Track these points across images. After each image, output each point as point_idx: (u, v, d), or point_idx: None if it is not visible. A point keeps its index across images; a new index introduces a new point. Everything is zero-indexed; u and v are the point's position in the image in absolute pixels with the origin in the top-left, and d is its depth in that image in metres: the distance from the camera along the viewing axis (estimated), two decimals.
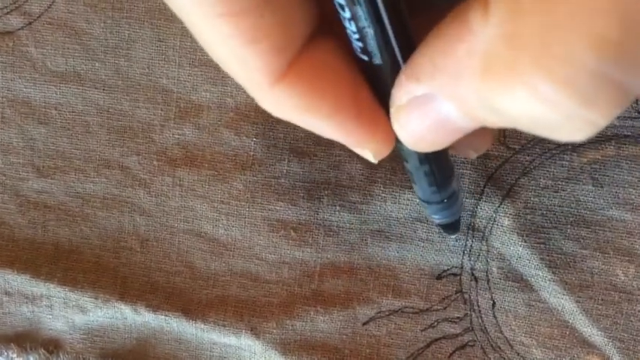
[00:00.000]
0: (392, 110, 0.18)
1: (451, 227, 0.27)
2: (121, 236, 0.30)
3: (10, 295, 0.31)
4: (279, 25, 0.17)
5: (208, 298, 0.30)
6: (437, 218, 0.26)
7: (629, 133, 0.27)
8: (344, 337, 0.29)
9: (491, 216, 0.28)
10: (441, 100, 0.16)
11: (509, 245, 0.28)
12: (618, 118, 0.27)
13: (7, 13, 0.29)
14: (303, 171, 0.29)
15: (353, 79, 0.19)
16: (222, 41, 0.17)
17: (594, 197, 0.28)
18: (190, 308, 0.30)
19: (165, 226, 0.30)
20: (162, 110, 0.29)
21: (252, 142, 0.29)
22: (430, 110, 0.17)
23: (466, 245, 0.29)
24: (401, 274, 0.29)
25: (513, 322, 0.29)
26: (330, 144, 0.28)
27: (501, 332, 0.29)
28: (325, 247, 0.29)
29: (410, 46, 0.17)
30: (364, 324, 0.29)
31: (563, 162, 0.28)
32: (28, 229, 0.30)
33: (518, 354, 0.29)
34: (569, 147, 0.27)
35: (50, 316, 0.30)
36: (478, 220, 0.28)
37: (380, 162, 0.21)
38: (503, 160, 0.28)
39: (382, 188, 0.29)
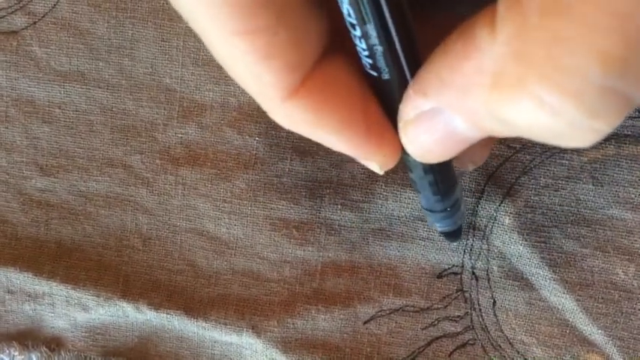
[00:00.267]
0: (400, 124, 0.19)
1: (453, 235, 0.27)
2: (124, 234, 0.30)
3: (13, 293, 0.31)
4: (293, 43, 0.17)
5: (210, 296, 0.30)
6: (439, 226, 0.26)
7: (630, 133, 0.27)
8: (345, 335, 0.30)
9: (492, 215, 0.28)
10: (449, 114, 0.17)
11: (510, 244, 0.28)
12: None
13: (12, 12, 0.29)
14: (305, 170, 0.29)
15: (362, 93, 0.19)
16: (236, 57, 0.17)
17: (594, 196, 0.28)
18: (192, 306, 0.30)
19: (168, 224, 0.30)
20: (165, 109, 0.29)
21: (255, 141, 0.29)
22: (438, 123, 0.17)
23: (467, 244, 0.29)
24: (402, 273, 0.29)
25: (514, 321, 0.29)
26: None
27: (502, 331, 0.29)
28: (327, 246, 0.29)
29: (417, 62, 0.18)
30: (365, 322, 0.29)
31: (564, 161, 0.28)
32: (31, 228, 0.31)
33: (518, 352, 0.29)
34: None
35: (52, 314, 0.31)
36: (479, 218, 0.28)
37: None
38: (504, 159, 0.28)
39: (384, 187, 0.29)
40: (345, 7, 0.17)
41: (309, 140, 0.29)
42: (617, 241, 0.28)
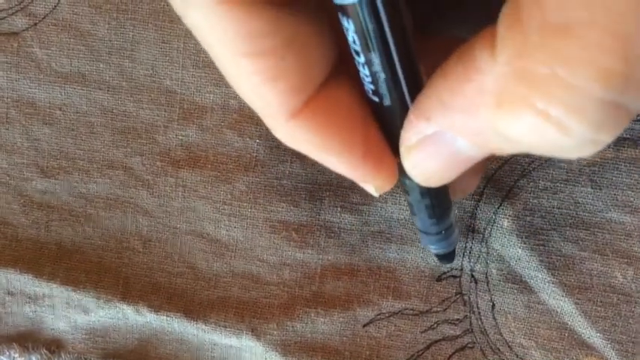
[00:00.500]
0: (402, 150, 0.19)
1: (446, 257, 0.27)
2: (124, 237, 0.30)
3: (13, 295, 0.31)
4: (299, 67, 0.18)
5: (210, 299, 0.30)
6: (434, 248, 0.26)
7: (628, 136, 0.27)
8: (344, 338, 0.30)
9: (491, 217, 0.28)
10: (452, 136, 0.17)
11: (509, 247, 0.28)
12: None
13: (12, 14, 0.29)
14: (305, 172, 0.29)
15: (363, 117, 0.20)
16: (242, 77, 0.18)
17: (593, 199, 0.28)
18: (192, 309, 0.30)
19: (168, 226, 0.30)
20: (165, 111, 0.29)
21: (255, 144, 0.29)
22: (442, 146, 0.18)
23: (466, 247, 0.29)
24: (401, 276, 0.29)
25: (513, 324, 0.29)
26: None
27: (501, 334, 0.29)
28: (326, 249, 0.30)
29: (419, 89, 0.18)
30: (364, 325, 0.30)
31: (562, 164, 0.28)
32: (31, 229, 0.31)
33: (517, 356, 0.29)
34: None
35: (52, 316, 0.31)
36: (478, 221, 0.29)
37: None
38: (503, 161, 0.28)
39: None
40: (351, 35, 0.17)
41: None
42: (616, 245, 0.28)
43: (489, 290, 0.29)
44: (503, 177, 0.28)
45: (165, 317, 0.30)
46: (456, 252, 0.29)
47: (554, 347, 0.29)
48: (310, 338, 0.30)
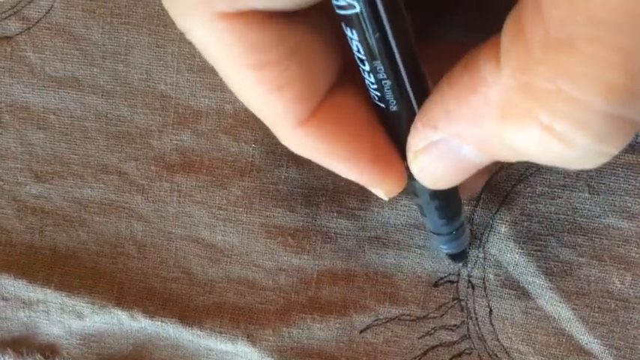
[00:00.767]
0: (409, 155, 0.19)
1: (458, 257, 0.28)
2: (118, 242, 0.30)
3: (7, 300, 0.31)
4: (304, 76, 0.18)
5: (205, 304, 0.30)
6: (445, 248, 0.27)
7: None
8: (341, 344, 0.29)
9: (488, 223, 0.28)
10: (458, 143, 0.17)
11: (506, 252, 0.28)
12: None
13: (6, 18, 0.29)
14: (301, 177, 0.29)
15: (370, 122, 0.20)
16: (247, 88, 0.18)
17: (590, 205, 0.28)
18: (187, 314, 0.30)
19: (163, 231, 0.30)
20: (160, 116, 0.29)
21: (251, 149, 0.29)
22: (448, 153, 0.18)
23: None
24: (398, 282, 0.29)
25: (510, 330, 0.29)
26: None
27: (498, 340, 0.29)
28: (322, 254, 0.29)
29: (425, 94, 0.18)
30: (361, 331, 0.29)
31: (560, 169, 0.28)
32: (26, 234, 0.30)
33: None
34: None
35: (47, 321, 0.30)
36: (475, 227, 0.28)
37: None
38: (500, 167, 0.28)
39: None
40: (355, 44, 0.17)
41: None
42: (614, 250, 0.28)
43: (487, 296, 0.29)
44: (500, 182, 0.28)
45: (160, 323, 0.30)
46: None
47: (551, 353, 0.28)
48: (306, 344, 0.29)
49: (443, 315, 0.29)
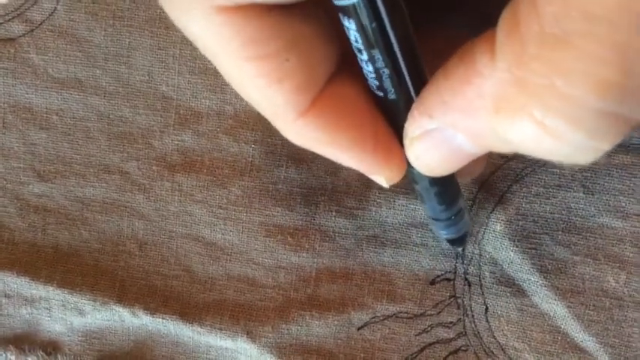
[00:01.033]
0: (406, 142, 0.19)
1: (458, 241, 0.28)
2: (120, 240, 0.30)
3: (10, 298, 0.31)
4: (303, 68, 0.18)
5: (205, 301, 0.30)
6: (445, 234, 0.27)
7: (620, 142, 0.27)
8: (339, 341, 0.30)
9: (484, 221, 0.29)
10: (453, 133, 0.18)
11: (502, 250, 0.28)
12: None
13: (9, 20, 0.30)
14: (301, 177, 0.29)
15: (370, 111, 0.20)
16: (247, 81, 0.18)
17: (585, 205, 0.28)
18: (187, 311, 0.30)
19: (164, 230, 0.30)
20: (162, 117, 0.30)
21: (251, 149, 0.29)
22: (443, 141, 0.18)
23: (459, 249, 0.29)
24: (395, 280, 0.29)
25: (506, 327, 0.29)
26: None
27: (494, 337, 0.29)
28: (321, 253, 0.30)
29: (423, 82, 0.18)
30: (359, 329, 0.30)
31: (555, 169, 0.28)
32: (28, 233, 0.31)
33: (510, 359, 0.29)
34: None
35: (49, 319, 0.31)
36: (471, 225, 0.29)
37: None
38: (496, 167, 0.28)
39: (377, 194, 0.29)
40: (352, 34, 0.17)
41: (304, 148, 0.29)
42: (608, 249, 0.28)
43: (483, 293, 0.29)
44: (496, 182, 0.28)
45: (160, 320, 0.30)
46: (451, 253, 0.29)
47: (547, 350, 0.29)
48: (305, 341, 0.30)
49: (440, 312, 0.29)
